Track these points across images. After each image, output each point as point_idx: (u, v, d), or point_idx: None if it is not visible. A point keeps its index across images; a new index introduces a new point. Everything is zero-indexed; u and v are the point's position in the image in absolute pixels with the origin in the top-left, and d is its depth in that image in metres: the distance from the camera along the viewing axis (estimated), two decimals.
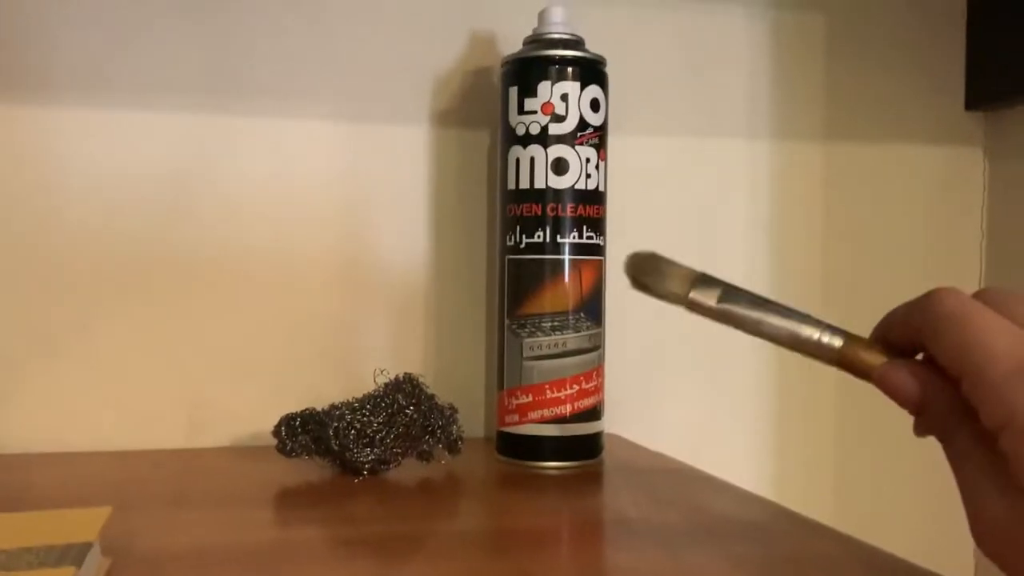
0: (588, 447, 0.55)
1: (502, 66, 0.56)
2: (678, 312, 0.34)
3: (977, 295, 0.29)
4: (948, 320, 0.28)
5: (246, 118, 0.61)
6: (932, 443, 0.31)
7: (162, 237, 0.60)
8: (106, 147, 0.59)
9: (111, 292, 0.59)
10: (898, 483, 0.72)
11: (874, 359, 0.31)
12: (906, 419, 0.31)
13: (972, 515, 0.28)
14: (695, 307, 0.33)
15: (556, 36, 0.55)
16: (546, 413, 0.53)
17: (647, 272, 0.34)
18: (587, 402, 0.54)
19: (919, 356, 0.31)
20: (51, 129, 0.58)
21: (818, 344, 0.32)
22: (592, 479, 0.53)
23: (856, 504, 0.72)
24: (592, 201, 0.54)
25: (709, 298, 0.33)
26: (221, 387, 0.60)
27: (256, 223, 0.61)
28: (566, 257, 0.54)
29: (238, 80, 0.61)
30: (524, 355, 0.54)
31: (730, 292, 0.33)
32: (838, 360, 0.32)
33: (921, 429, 0.31)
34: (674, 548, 0.39)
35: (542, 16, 0.56)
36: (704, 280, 0.33)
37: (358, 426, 0.49)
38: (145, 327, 0.59)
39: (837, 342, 0.31)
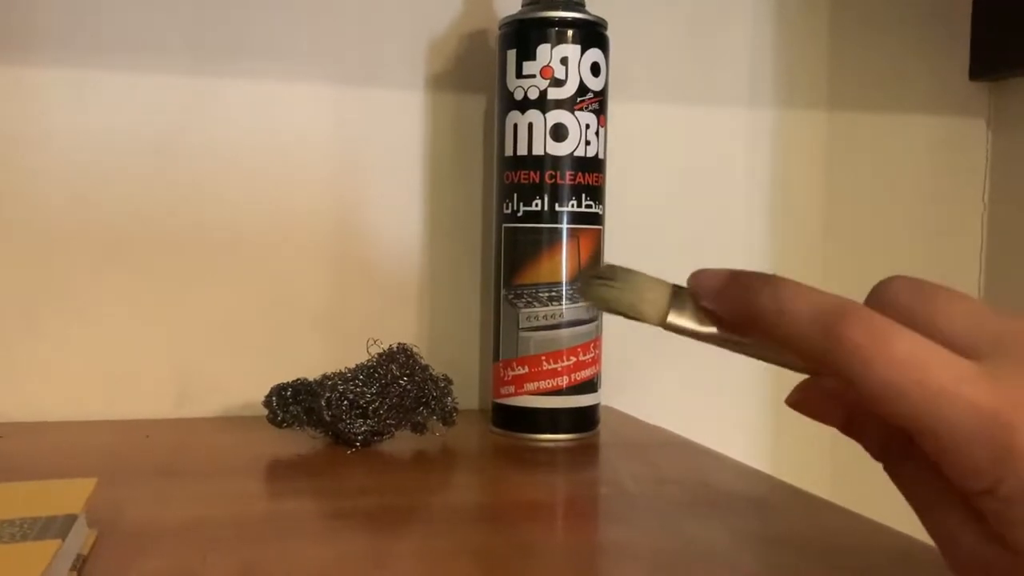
0: (585, 419, 0.54)
1: (500, 28, 0.55)
2: None
3: (884, 303, 0.24)
4: (881, 386, 0.22)
5: (235, 80, 0.59)
6: None
7: (148, 202, 0.58)
8: (89, 109, 0.57)
9: (95, 258, 0.57)
10: None
11: None
12: None
13: (948, 553, 0.24)
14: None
15: None
16: (542, 385, 0.52)
17: (613, 300, 0.27)
18: (584, 374, 0.53)
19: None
20: (32, 90, 0.56)
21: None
22: (589, 452, 0.52)
23: (853, 479, 0.71)
24: (591, 169, 0.53)
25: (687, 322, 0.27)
26: (210, 356, 0.59)
27: (245, 189, 0.59)
28: (564, 226, 0.52)
29: (226, 40, 0.59)
30: (520, 326, 0.53)
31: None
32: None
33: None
34: (674, 522, 0.38)
35: None
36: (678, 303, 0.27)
37: (351, 397, 0.48)
38: (131, 294, 0.58)
39: None
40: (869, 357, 0.22)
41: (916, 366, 0.21)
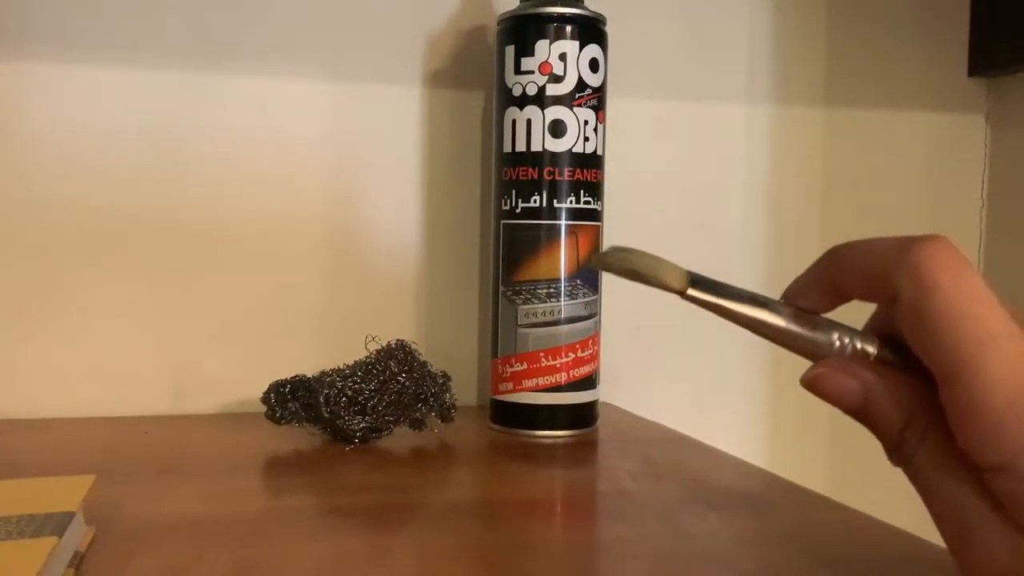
0: (583, 416, 0.54)
1: (498, 23, 0.55)
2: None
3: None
4: (939, 309, 0.22)
5: (231, 76, 0.59)
6: None
7: (144, 200, 0.58)
8: (84, 106, 0.57)
9: (93, 255, 0.57)
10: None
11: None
12: None
13: (963, 552, 0.23)
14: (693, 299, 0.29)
15: None
16: (541, 381, 0.52)
17: (636, 263, 0.28)
18: (583, 370, 0.53)
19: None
20: (25, 87, 0.56)
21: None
22: (587, 448, 0.52)
23: (849, 475, 0.71)
24: (590, 165, 0.53)
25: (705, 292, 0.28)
26: (208, 353, 0.59)
27: (242, 185, 0.59)
28: (563, 222, 0.52)
29: (222, 36, 0.59)
30: (519, 322, 0.53)
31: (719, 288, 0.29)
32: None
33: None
34: (672, 518, 0.38)
35: None
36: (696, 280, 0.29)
37: (349, 393, 0.48)
38: (128, 290, 0.58)
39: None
40: (942, 281, 0.22)
41: (981, 303, 0.22)
